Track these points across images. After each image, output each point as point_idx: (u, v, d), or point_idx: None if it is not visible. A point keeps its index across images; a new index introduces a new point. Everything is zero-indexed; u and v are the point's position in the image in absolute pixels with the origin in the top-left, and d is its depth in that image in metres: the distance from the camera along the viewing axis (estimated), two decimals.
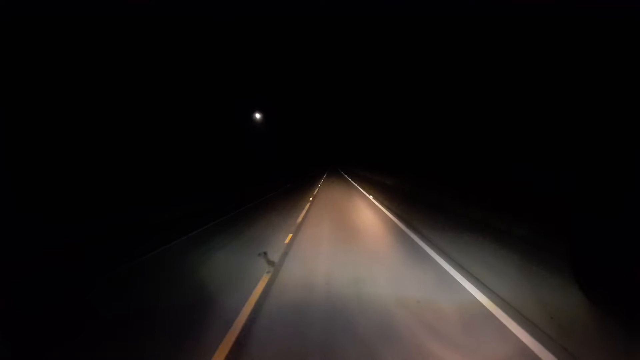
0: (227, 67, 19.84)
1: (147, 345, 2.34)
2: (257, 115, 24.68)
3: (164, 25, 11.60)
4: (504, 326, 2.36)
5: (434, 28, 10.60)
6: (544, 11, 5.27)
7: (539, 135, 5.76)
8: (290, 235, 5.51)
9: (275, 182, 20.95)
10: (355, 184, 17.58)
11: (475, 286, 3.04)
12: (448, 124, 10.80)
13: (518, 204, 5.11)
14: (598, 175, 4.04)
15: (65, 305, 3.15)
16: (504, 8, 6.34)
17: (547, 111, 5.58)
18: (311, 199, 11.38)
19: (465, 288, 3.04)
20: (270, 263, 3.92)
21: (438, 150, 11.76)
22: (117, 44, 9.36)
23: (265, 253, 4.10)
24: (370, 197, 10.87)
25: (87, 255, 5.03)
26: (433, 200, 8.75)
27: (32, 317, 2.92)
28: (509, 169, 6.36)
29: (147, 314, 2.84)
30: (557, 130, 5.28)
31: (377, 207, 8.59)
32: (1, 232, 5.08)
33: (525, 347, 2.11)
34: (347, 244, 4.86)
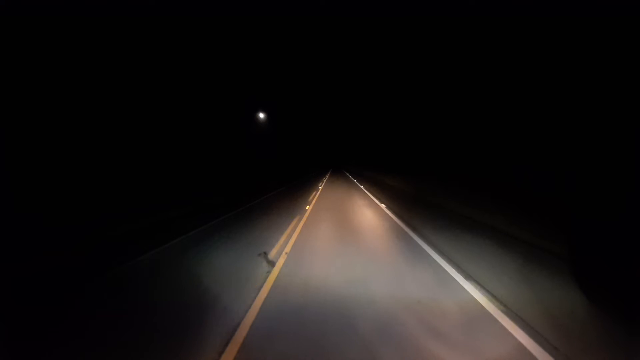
0: (227, 67, 19.85)
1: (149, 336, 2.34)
2: (259, 115, 24.71)
3: (164, 25, 11.62)
4: (503, 326, 2.36)
5: (434, 28, 10.59)
6: (544, 11, 5.26)
7: (540, 135, 5.76)
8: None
9: (274, 184, 20.96)
10: (365, 190, 15.90)
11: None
12: (453, 122, 10.77)
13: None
14: (598, 175, 4.03)
15: (66, 304, 3.15)
16: (504, 8, 6.34)
17: (547, 111, 5.57)
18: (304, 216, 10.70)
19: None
20: (270, 263, 3.92)
21: (454, 151, 10.81)
22: (117, 44, 9.38)
23: (265, 253, 4.11)
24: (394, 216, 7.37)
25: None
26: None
27: (32, 317, 2.92)
28: (511, 170, 6.36)
29: (150, 305, 2.85)
30: (558, 131, 5.28)
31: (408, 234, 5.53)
32: None
33: (523, 348, 2.11)
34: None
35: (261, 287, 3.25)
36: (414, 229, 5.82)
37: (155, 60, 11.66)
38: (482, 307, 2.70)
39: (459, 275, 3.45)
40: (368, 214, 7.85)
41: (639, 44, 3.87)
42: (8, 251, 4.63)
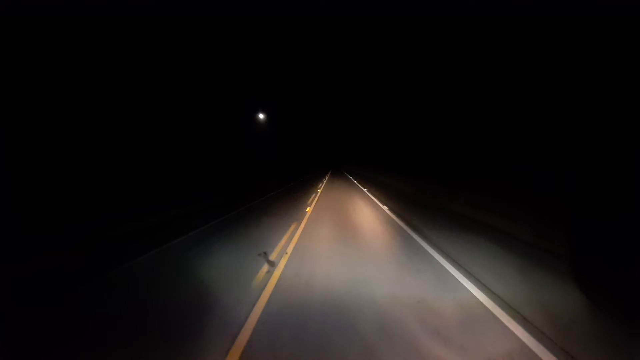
0: (227, 67, 19.85)
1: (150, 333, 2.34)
2: (258, 115, 24.72)
3: (164, 25, 11.61)
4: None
5: (434, 28, 10.59)
6: (544, 11, 5.27)
7: (540, 136, 5.76)
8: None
9: (274, 185, 20.95)
10: (365, 190, 15.53)
11: None
12: (454, 123, 10.76)
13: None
14: (598, 175, 4.03)
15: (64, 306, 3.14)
16: (504, 8, 6.34)
17: (547, 112, 5.57)
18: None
19: None
20: (272, 263, 3.92)
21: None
22: (117, 44, 9.37)
23: (265, 253, 4.10)
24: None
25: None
26: None
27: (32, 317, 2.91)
28: (511, 170, 6.36)
29: (150, 307, 2.85)
30: (558, 131, 5.28)
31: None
32: None
33: (524, 346, 2.11)
34: None
35: (263, 288, 3.25)
36: (414, 229, 5.82)
37: (156, 60, 11.65)
38: (484, 305, 2.70)
39: (459, 274, 3.45)
40: (368, 213, 7.85)
41: (638, 44, 3.87)
42: (8, 251, 4.62)
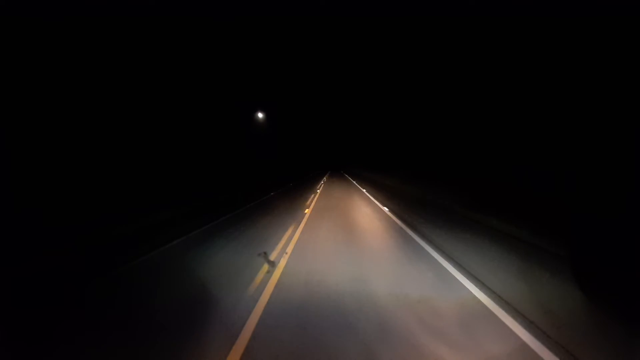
0: (227, 67, 19.85)
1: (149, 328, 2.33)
2: (258, 115, 24.74)
3: (164, 26, 11.61)
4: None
5: (434, 29, 10.61)
6: (544, 11, 5.27)
7: (540, 136, 5.77)
8: None
9: (274, 185, 20.94)
10: (364, 190, 15.97)
11: None
12: (455, 122, 10.75)
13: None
14: (598, 175, 4.04)
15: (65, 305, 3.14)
16: (504, 8, 6.35)
17: (547, 111, 5.58)
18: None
19: None
20: (272, 263, 3.92)
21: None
22: (117, 44, 9.37)
23: (265, 253, 4.10)
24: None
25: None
26: None
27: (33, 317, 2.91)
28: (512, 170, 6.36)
29: (150, 308, 2.84)
30: (558, 131, 5.28)
31: None
32: None
33: (524, 345, 2.11)
34: None
35: (264, 288, 3.25)
36: (414, 229, 5.82)
37: (156, 61, 11.65)
38: (484, 305, 2.71)
39: (459, 273, 3.46)
40: (367, 213, 7.84)
41: (638, 44, 3.88)
42: (8, 251, 4.61)
